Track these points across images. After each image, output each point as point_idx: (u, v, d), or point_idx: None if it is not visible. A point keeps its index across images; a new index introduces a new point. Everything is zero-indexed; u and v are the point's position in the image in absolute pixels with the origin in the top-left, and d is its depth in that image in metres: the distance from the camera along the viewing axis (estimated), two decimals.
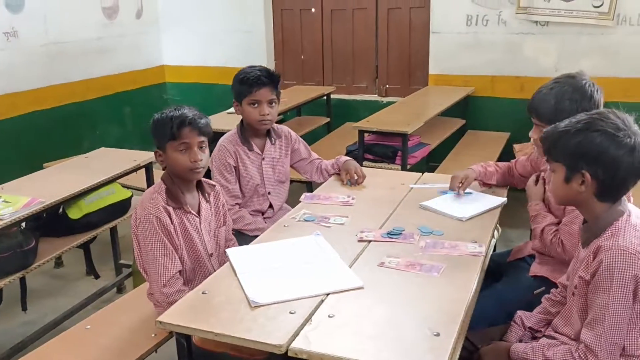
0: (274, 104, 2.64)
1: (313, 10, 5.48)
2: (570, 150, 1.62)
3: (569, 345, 1.68)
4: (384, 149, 3.87)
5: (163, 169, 2.09)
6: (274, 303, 1.66)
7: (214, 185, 2.20)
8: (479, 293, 2.20)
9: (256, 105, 2.60)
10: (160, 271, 1.95)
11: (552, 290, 1.94)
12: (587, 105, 2.03)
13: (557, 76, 2.19)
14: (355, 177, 2.63)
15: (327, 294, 1.71)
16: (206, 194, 2.14)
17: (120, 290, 3.41)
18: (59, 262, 3.74)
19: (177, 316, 1.63)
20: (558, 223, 2.14)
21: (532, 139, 2.22)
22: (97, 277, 3.47)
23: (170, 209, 1.99)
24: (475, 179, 2.51)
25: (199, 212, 2.10)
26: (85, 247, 3.41)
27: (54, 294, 3.46)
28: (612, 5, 4.29)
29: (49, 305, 3.29)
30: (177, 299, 1.81)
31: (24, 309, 3.05)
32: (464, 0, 4.75)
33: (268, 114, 2.61)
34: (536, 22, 4.56)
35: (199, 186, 2.13)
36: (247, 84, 2.59)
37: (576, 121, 1.65)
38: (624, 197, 1.68)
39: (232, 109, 3.12)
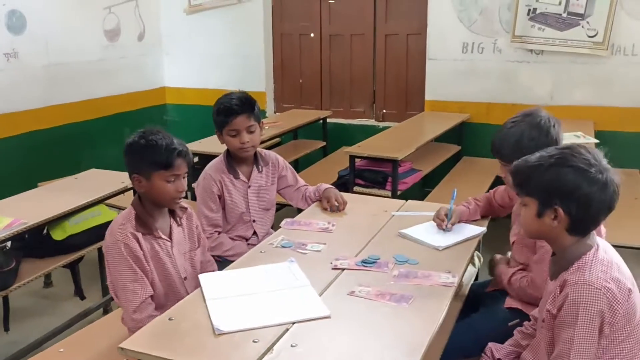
0: (253, 130, 2.62)
1: (312, 35, 5.54)
2: (544, 186, 1.63)
3: None
4: (374, 175, 3.87)
5: (134, 194, 2.09)
6: (238, 331, 1.65)
7: (186, 208, 2.19)
8: (456, 324, 2.19)
9: (235, 134, 2.59)
10: (130, 297, 1.94)
11: (525, 323, 1.92)
12: (545, 140, 2.06)
13: (515, 115, 2.23)
14: (336, 205, 2.63)
15: (293, 323, 1.70)
16: (177, 218, 2.14)
17: (107, 311, 3.40)
18: (47, 282, 3.75)
19: (141, 342, 1.63)
20: (522, 269, 2.15)
21: (504, 178, 2.25)
22: (82, 297, 3.47)
23: (139, 234, 1.99)
24: (459, 221, 2.49)
25: (170, 236, 2.10)
26: (72, 267, 3.42)
27: (41, 313, 3.46)
28: (606, 35, 4.31)
29: (34, 325, 3.29)
30: (147, 324, 1.80)
31: (6, 329, 3.04)
32: (460, 28, 4.79)
33: (248, 141, 2.60)
34: (531, 50, 4.59)
35: (170, 210, 2.13)
36: (223, 114, 2.58)
37: (548, 156, 1.65)
38: (593, 231, 1.67)
39: None
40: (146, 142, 1.98)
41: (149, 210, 2.05)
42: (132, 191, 3.22)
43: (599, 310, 1.54)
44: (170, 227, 2.11)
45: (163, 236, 2.07)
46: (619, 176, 1.64)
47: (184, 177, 2.05)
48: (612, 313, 1.55)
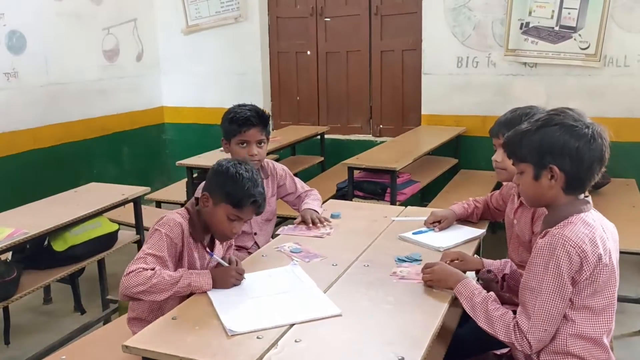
0: (262, 144, 2.63)
1: (308, 52, 5.61)
2: (535, 148, 1.69)
3: (510, 314, 1.70)
4: (373, 186, 3.89)
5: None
6: (251, 332, 1.64)
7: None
8: (459, 324, 2.19)
9: (245, 145, 2.59)
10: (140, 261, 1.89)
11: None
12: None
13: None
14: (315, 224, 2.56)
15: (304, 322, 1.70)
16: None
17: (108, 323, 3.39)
18: (47, 298, 3.73)
19: (144, 340, 1.63)
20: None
21: (494, 162, 2.30)
22: (82, 312, 3.46)
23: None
24: (456, 220, 2.51)
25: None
26: (72, 282, 3.41)
27: (40, 330, 3.44)
28: (598, 47, 4.38)
29: (34, 341, 3.26)
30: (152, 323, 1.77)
31: (7, 342, 3.03)
32: (454, 43, 4.86)
33: (256, 154, 2.60)
34: (525, 63, 4.65)
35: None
36: (237, 123, 2.57)
37: (535, 120, 1.73)
38: (590, 200, 1.73)
39: None
40: (234, 172, 1.98)
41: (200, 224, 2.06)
42: (132, 204, 3.24)
43: (568, 265, 1.60)
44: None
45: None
46: (606, 130, 1.69)
47: (245, 221, 2.06)
48: (579, 272, 1.61)
